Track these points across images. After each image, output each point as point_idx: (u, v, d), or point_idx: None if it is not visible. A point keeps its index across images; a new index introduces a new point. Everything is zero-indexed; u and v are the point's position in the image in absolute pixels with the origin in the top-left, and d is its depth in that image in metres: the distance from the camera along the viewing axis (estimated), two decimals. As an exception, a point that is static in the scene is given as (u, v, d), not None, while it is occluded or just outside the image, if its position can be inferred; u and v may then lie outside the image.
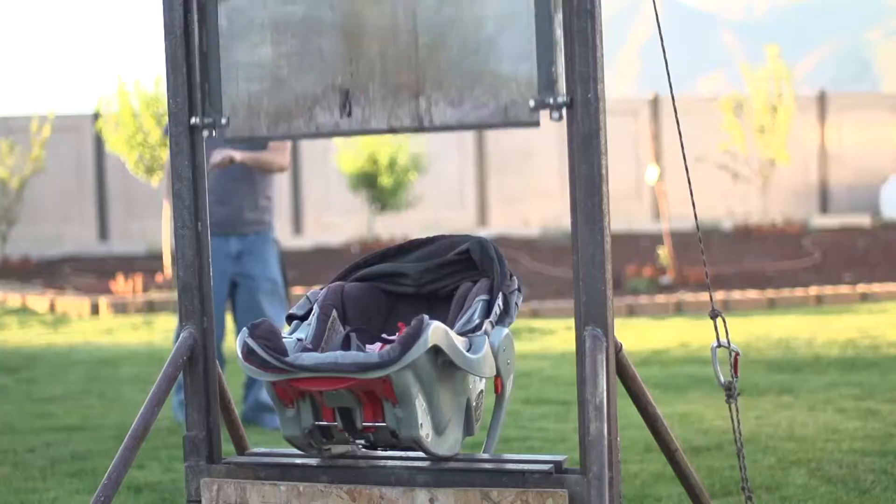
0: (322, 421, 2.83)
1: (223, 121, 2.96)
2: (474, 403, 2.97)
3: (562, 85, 2.69)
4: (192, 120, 2.98)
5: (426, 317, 2.74)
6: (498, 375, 2.93)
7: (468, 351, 2.83)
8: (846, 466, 4.63)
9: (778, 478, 4.49)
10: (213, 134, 2.99)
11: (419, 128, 2.81)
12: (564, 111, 2.70)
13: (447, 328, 2.78)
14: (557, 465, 2.78)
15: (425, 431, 2.77)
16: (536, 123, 2.72)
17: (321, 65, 2.87)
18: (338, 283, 3.14)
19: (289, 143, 6.19)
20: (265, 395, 6.10)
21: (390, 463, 2.92)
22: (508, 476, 2.79)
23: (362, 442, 2.87)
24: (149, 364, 8.19)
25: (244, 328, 2.83)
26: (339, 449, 2.97)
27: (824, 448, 4.97)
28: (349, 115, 2.85)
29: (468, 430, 2.97)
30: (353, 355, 2.74)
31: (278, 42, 2.90)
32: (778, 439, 5.18)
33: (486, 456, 2.96)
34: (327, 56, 2.86)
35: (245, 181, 6.06)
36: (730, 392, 3.10)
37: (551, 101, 2.69)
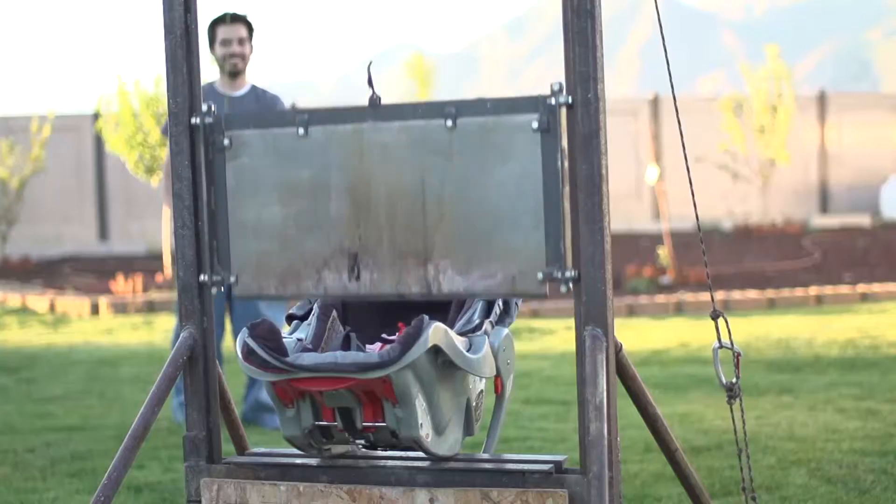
0: (322, 421, 2.83)
1: (232, 279, 2.98)
2: (474, 403, 2.97)
3: (569, 259, 2.71)
4: (201, 277, 3.00)
5: (426, 317, 2.74)
6: (498, 375, 2.94)
7: (468, 351, 2.83)
8: (846, 466, 4.63)
9: (778, 478, 4.49)
10: (222, 290, 3.02)
11: (427, 294, 2.83)
12: (572, 285, 2.72)
13: (447, 328, 2.77)
14: (557, 465, 2.79)
15: (425, 431, 2.77)
16: (544, 295, 2.75)
17: (329, 227, 2.88)
18: None
19: None
20: (265, 396, 6.10)
21: (390, 463, 2.92)
22: (508, 476, 2.79)
23: (362, 442, 2.87)
24: (149, 364, 8.19)
25: (244, 328, 2.83)
26: (339, 449, 2.97)
27: (824, 448, 4.97)
28: (357, 278, 2.87)
29: (468, 429, 2.97)
30: (353, 355, 2.74)
31: (286, 203, 2.91)
32: (778, 439, 5.18)
33: (486, 456, 2.96)
34: (336, 219, 2.87)
35: None
36: (731, 393, 3.09)
37: (559, 275, 2.72)
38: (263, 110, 6.01)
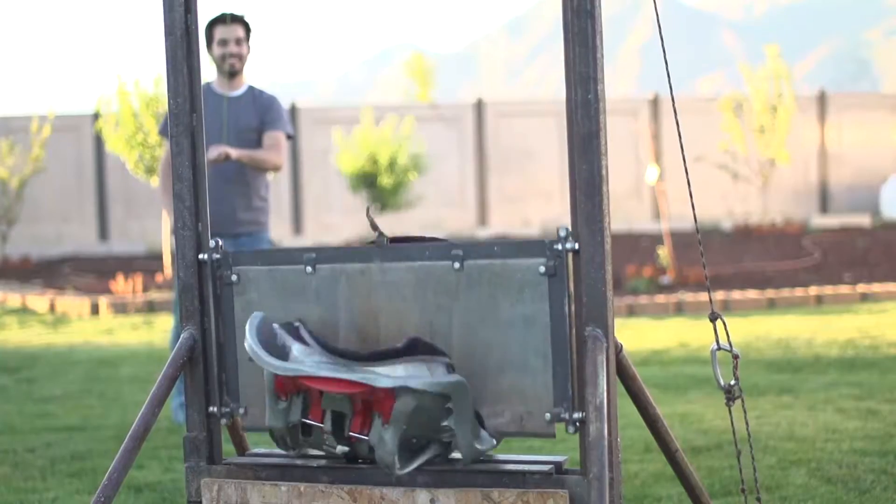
0: (309, 419, 2.83)
1: (241, 411, 3.01)
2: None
3: (577, 400, 2.72)
4: (210, 409, 3.02)
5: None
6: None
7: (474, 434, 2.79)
8: (846, 466, 4.63)
9: (778, 478, 4.49)
10: (230, 421, 3.04)
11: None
12: (580, 425, 2.72)
13: (470, 395, 2.74)
14: (558, 465, 2.79)
15: (397, 458, 2.76)
16: (552, 435, 2.76)
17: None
18: None
19: (284, 141, 6.17)
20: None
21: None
22: (509, 476, 2.79)
23: (342, 449, 2.86)
24: (149, 364, 8.19)
25: (248, 322, 2.83)
26: (309, 448, 2.95)
27: (824, 448, 4.97)
28: None
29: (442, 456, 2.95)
30: (363, 372, 2.72)
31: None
32: (778, 439, 5.18)
33: (486, 456, 2.95)
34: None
35: (239, 182, 6.05)
36: (730, 395, 3.09)
37: (567, 416, 2.73)
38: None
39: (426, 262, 2.84)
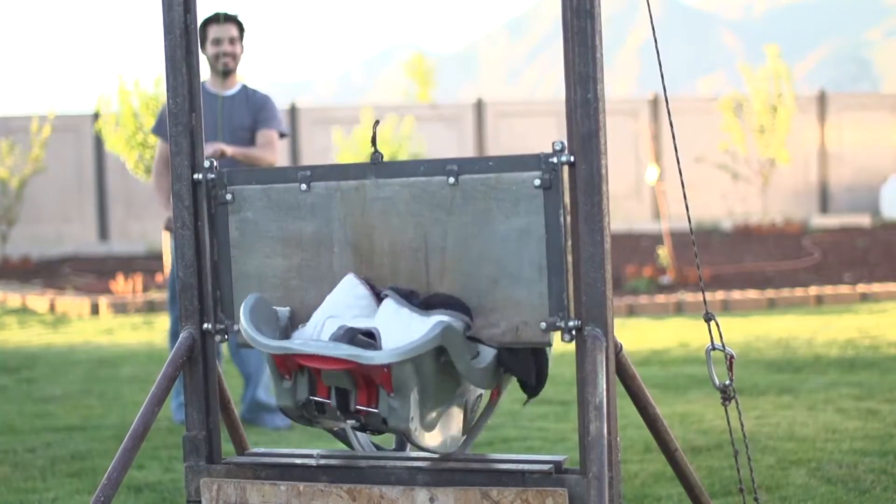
0: (317, 396, 2.83)
1: (235, 327, 3.00)
2: (472, 405, 2.97)
3: (572, 310, 2.73)
4: (205, 326, 3.03)
5: (442, 316, 2.74)
6: (497, 385, 2.92)
7: (473, 359, 2.82)
8: (846, 466, 4.63)
9: (778, 478, 4.49)
10: (227, 338, 3.03)
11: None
12: (575, 333, 2.73)
13: (459, 331, 2.75)
14: (557, 465, 2.79)
15: (415, 425, 2.77)
16: (549, 343, 2.77)
17: (332, 279, 2.92)
18: None
19: (277, 139, 6.19)
20: (263, 395, 6.10)
21: (390, 463, 2.92)
22: (508, 476, 2.79)
23: (353, 422, 2.87)
24: (149, 364, 8.19)
25: (243, 304, 2.83)
26: (328, 424, 2.97)
27: (824, 448, 4.97)
28: None
29: (465, 429, 2.97)
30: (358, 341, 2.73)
31: (289, 255, 2.96)
32: (778, 439, 5.18)
33: (485, 455, 2.96)
34: (338, 271, 2.92)
35: None
36: (726, 395, 3.10)
37: (562, 324, 2.74)
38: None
39: (421, 177, 2.84)
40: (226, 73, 6.07)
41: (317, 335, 2.83)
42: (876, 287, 11.43)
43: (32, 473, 4.99)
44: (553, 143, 2.73)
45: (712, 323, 3.11)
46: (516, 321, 2.78)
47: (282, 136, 6.23)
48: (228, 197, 3.00)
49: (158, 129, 6.26)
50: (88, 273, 14.56)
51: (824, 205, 19.85)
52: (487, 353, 2.83)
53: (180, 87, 3.01)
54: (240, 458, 3.07)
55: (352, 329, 2.76)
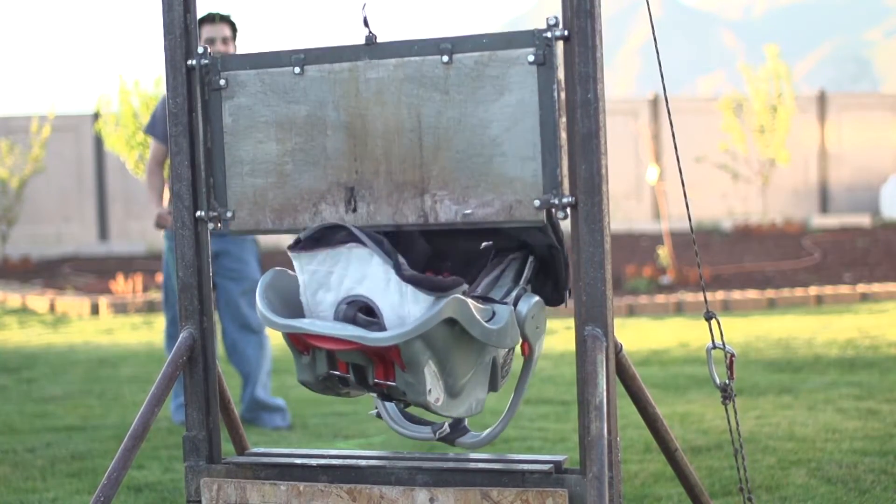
0: (336, 371, 2.83)
1: (228, 214, 3.00)
2: (501, 361, 2.94)
3: (566, 186, 2.72)
4: (198, 213, 3.02)
5: (463, 283, 2.72)
6: (525, 340, 2.89)
7: (489, 321, 2.80)
8: (846, 466, 4.63)
9: (778, 478, 4.49)
10: (219, 226, 3.02)
11: (424, 224, 2.85)
12: (569, 210, 2.72)
13: (465, 299, 2.73)
14: (557, 465, 2.79)
15: (434, 396, 2.76)
16: (542, 222, 2.76)
17: (326, 162, 2.91)
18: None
19: None
20: (261, 394, 6.10)
21: (390, 463, 2.92)
22: (508, 476, 2.79)
23: (376, 394, 2.87)
24: (149, 364, 8.19)
25: (260, 281, 2.84)
26: (353, 394, 2.96)
27: (824, 448, 4.97)
28: (354, 210, 2.89)
29: (493, 386, 2.94)
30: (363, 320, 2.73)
31: (282, 139, 2.95)
32: (778, 439, 5.18)
33: (485, 455, 2.96)
34: (332, 154, 2.91)
35: None
36: (726, 393, 3.10)
37: (556, 201, 2.73)
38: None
39: (415, 57, 2.83)
40: None
41: (323, 303, 2.81)
42: (876, 287, 11.43)
43: (32, 473, 4.99)
44: (547, 19, 2.72)
45: (713, 322, 3.11)
46: (510, 199, 2.76)
47: None
48: (222, 82, 2.98)
49: (151, 129, 6.29)
50: (88, 273, 14.56)
51: (824, 205, 19.85)
52: (503, 312, 2.81)
53: (180, 87, 3.01)
54: (240, 458, 3.07)
55: (355, 302, 2.75)
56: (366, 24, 2.88)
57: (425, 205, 2.83)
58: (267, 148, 2.95)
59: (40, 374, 7.98)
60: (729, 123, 17.06)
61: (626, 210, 18.63)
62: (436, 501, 2.77)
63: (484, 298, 2.85)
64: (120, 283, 12.38)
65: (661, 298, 10.93)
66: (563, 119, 2.71)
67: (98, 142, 17.28)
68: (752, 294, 11.03)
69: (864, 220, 17.66)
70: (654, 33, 3.15)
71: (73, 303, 11.62)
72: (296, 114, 2.93)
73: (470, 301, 2.75)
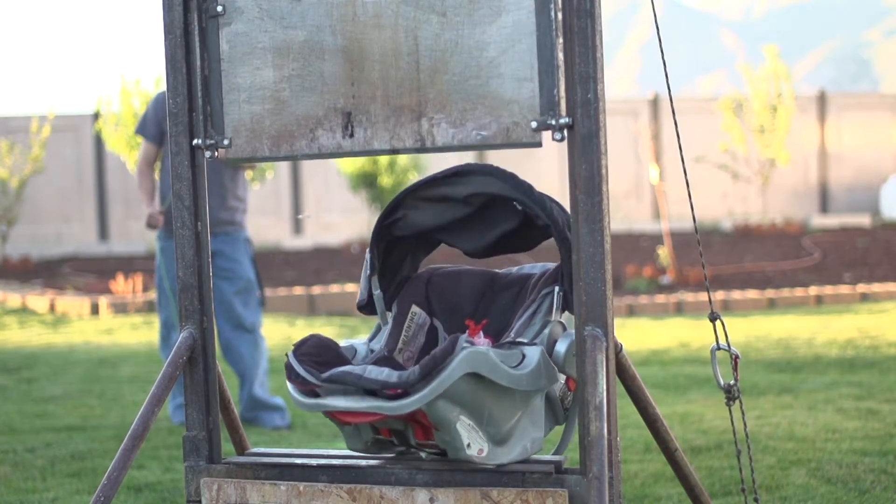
0: (380, 436, 2.84)
1: (225, 142, 2.99)
2: (559, 395, 2.88)
3: (563, 107, 2.71)
4: (195, 141, 3.02)
5: (461, 337, 2.68)
6: (570, 377, 2.84)
7: (517, 366, 2.74)
8: (846, 466, 4.63)
9: (778, 478, 4.49)
10: (216, 154, 3.02)
11: (421, 148, 2.84)
12: (566, 132, 2.71)
13: (481, 350, 2.68)
14: (557, 465, 2.78)
15: (476, 448, 2.72)
16: (539, 144, 2.74)
17: (323, 87, 2.90)
18: (426, 271, 3.11)
19: None
20: (260, 392, 6.09)
21: (390, 463, 2.92)
22: (508, 476, 2.79)
23: (427, 451, 2.87)
24: (149, 364, 8.19)
25: (292, 349, 2.81)
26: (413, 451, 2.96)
27: (824, 448, 4.97)
28: (351, 136, 2.88)
29: (556, 420, 2.90)
30: (377, 371, 2.68)
31: (279, 65, 2.94)
32: (778, 439, 5.18)
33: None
34: (329, 79, 2.90)
35: (213, 182, 6.06)
36: (730, 395, 3.10)
37: (553, 122, 2.71)
38: None
39: None
40: None
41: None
42: (876, 287, 11.43)
43: (32, 473, 4.99)
44: None
45: (717, 322, 3.10)
46: (507, 122, 2.75)
47: None
48: (219, 9, 2.98)
49: (141, 130, 6.31)
50: (88, 273, 14.56)
51: (824, 205, 19.85)
52: (533, 354, 2.76)
53: (180, 87, 3.01)
54: (240, 458, 3.07)
55: (383, 371, 2.70)
56: None
57: (422, 129, 2.82)
58: (264, 74, 2.94)
59: (40, 374, 7.98)
60: (729, 123, 17.06)
61: (626, 210, 18.63)
62: (436, 501, 2.77)
63: (512, 343, 2.80)
64: (120, 283, 12.38)
65: (661, 298, 10.93)
66: (560, 40, 2.70)
67: (98, 142, 17.28)
68: (752, 294, 11.03)
69: (864, 220, 17.67)
70: (658, 33, 3.15)
71: (73, 303, 11.62)
72: (293, 39, 2.92)
73: (492, 351, 2.70)
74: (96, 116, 16.21)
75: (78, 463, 5.17)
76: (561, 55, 2.70)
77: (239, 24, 2.97)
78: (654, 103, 19.37)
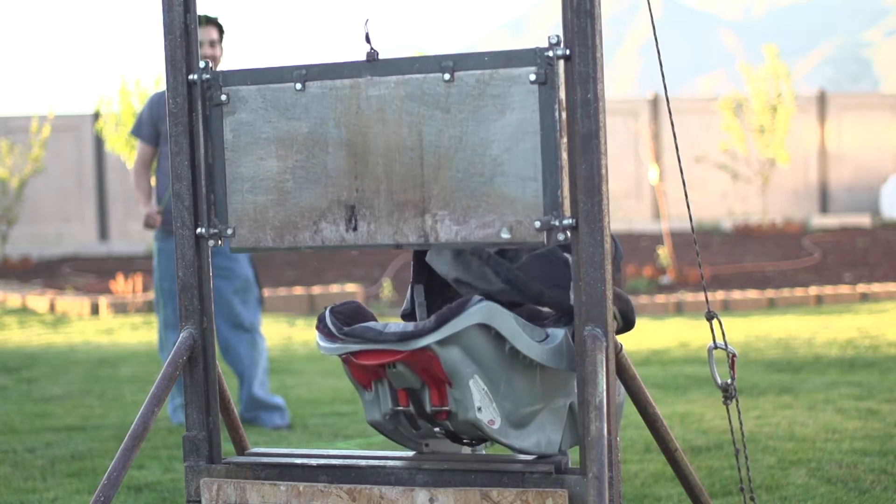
0: (399, 406, 2.84)
1: (228, 231, 2.99)
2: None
3: (567, 207, 2.72)
4: (198, 230, 3.02)
5: (479, 296, 2.75)
6: None
7: (542, 341, 2.79)
8: (846, 466, 4.63)
9: (778, 478, 4.49)
10: (219, 243, 3.02)
11: (425, 244, 2.84)
12: (569, 233, 2.72)
13: (502, 309, 2.74)
14: (557, 465, 2.78)
15: (487, 417, 2.75)
16: (542, 244, 2.75)
17: (326, 180, 2.90)
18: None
19: None
20: (260, 391, 6.09)
21: (390, 463, 2.92)
22: (508, 476, 2.79)
23: (441, 430, 2.87)
24: (149, 364, 8.19)
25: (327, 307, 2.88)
26: (423, 439, 2.96)
27: (824, 448, 4.97)
28: (355, 229, 2.88)
29: (575, 439, 2.91)
30: (395, 325, 2.76)
31: (283, 156, 2.93)
32: (778, 439, 5.18)
33: (486, 455, 2.95)
34: (333, 172, 2.90)
35: None
36: (727, 393, 3.10)
37: (556, 223, 2.72)
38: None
39: (416, 74, 2.82)
40: None
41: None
42: (876, 287, 11.43)
43: (32, 473, 4.99)
44: (549, 37, 2.71)
45: (714, 321, 3.10)
46: (511, 220, 2.76)
47: None
48: (223, 98, 2.98)
49: (137, 131, 6.30)
50: (88, 273, 14.56)
51: (824, 205, 19.85)
52: (558, 333, 2.81)
53: (180, 86, 3.01)
54: (240, 458, 3.07)
55: (401, 325, 2.78)
56: (367, 40, 2.88)
57: (426, 224, 2.82)
58: (268, 165, 2.94)
59: (40, 374, 7.98)
60: (729, 123, 17.06)
61: (626, 210, 18.63)
62: (436, 501, 2.77)
63: (536, 320, 2.84)
64: (120, 284, 12.38)
65: (661, 298, 10.93)
66: (565, 140, 2.71)
67: (98, 142, 17.27)
68: (752, 294, 11.03)
69: (864, 220, 17.66)
70: (654, 34, 3.15)
71: (73, 303, 11.62)
72: (297, 130, 2.92)
73: (511, 314, 2.75)
74: (96, 116, 16.21)
75: (78, 463, 5.17)
76: (565, 155, 2.71)
77: (243, 113, 2.96)
78: (654, 103, 19.36)
